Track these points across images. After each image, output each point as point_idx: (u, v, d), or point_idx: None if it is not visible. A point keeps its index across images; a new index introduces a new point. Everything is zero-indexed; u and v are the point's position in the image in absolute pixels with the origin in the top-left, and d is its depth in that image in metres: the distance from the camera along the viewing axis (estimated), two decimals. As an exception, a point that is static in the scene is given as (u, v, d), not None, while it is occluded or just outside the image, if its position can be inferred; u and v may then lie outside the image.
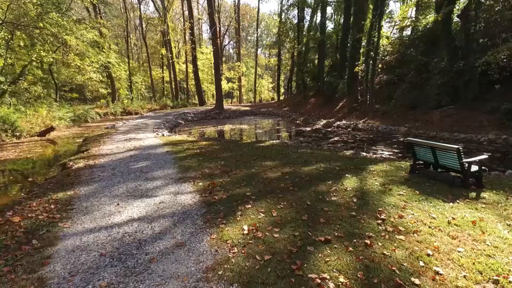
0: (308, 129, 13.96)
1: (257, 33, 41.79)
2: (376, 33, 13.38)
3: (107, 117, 22.36)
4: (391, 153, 7.77)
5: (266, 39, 51.39)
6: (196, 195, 4.03)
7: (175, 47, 41.12)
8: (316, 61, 25.40)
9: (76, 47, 21.27)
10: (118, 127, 12.39)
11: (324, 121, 15.45)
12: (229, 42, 47.55)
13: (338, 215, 3.24)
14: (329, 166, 5.62)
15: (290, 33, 27.57)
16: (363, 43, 15.48)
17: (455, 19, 12.15)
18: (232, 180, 4.80)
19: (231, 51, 59.18)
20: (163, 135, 10.35)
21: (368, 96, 14.48)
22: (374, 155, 7.08)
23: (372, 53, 13.83)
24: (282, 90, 37.78)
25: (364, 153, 7.12)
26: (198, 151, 7.59)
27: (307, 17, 26.97)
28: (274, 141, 9.57)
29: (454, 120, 10.61)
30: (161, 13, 31.91)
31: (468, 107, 10.83)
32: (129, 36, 41.95)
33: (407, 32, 21.89)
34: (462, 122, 10.35)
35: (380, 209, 3.36)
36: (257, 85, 41.02)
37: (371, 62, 14.00)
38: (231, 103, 43.09)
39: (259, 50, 45.82)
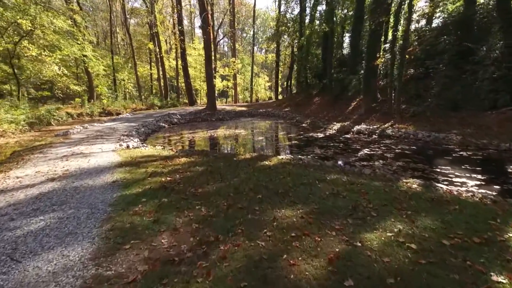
0: (320, 135, 11.12)
1: (253, 29, 38.93)
2: (407, 15, 10.63)
3: (81, 118, 19.20)
4: (479, 182, 4.93)
5: (262, 37, 48.56)
6: None
7: (165, 40, 38.03)
8: (320, 56, 22.71)
9: (42, 37, 18.21)
10: (72, 134, 9.36)
11: (337, 125, 12.63)
12: (223, 37, 44.58)
13: None
14: (417, 230, 2.75)
15: (289, 24, 24.69)
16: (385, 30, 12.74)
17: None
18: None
19: (225, 48, 56.24)
20: (127, 146, 7.38)
21: (393, 94, 11.72)
22: (460, 189, 4.26)
23: (400, 40, 11.07)
24: (279, 89, 35.00)
25: (443, 186, 4.28)
26: (168, 178, 4.68)
27: (308, 9, 24.28)
28: (284, 157, 6.70)
29: (523, 126, 7.89)
30: (147, 4, 28.77)
31: (539, 108, 8.13)
32: (114, 32, 38.73)
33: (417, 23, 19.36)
34: (536, 129, 7.64)
35: None
36: (253, 84, 38.11)
37: (398, 51, 11.24)
38: (226, 103, 40.17)
39: (255, 47, 43.03)
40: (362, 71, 14.33)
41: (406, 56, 11.91)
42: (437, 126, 9.64)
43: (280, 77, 35.39)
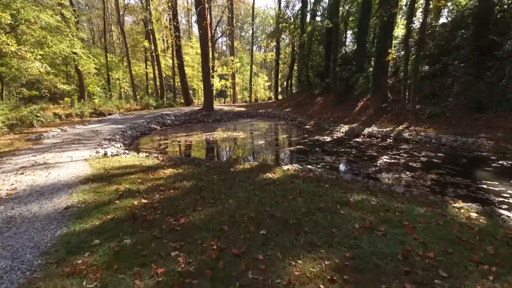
0: (327, 138, 10.03)
1: (253, 27, 37.90)
2: (424, 4, 9.56)
3: (70, 119, 18.05)
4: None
5: (261, 36, 47.49)
6: None
7: (161, 39, 36.92)
8: (322, 54, 21.65)
9: (27, 32, 17.21)
10: (45, 138, 8.23)
11: (345, 127, 11.55)
12: (221, 35, 43.46)
13: None
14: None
15: (291, 21, 23.55)
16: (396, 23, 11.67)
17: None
18: None
19: (224, 47, 55.18)
20: (105, 154, 6.26)
21: (407, 94, 10.64)
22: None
23: (415, 33, 10.01)
24: (279, 88, 33.94)
25: (509, 214, 3.19)
26: (143, 201, 3.58)
27: (310, 5, 23.27)
28: (289, 167, 5.59)
29: None
30: (143, 0, 27.59)
31: None
32: (110, 30, 37.58)
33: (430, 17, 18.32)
34: None
35: None
36: (252, 83, 36.99)
37: (413, 45, 10.18)
38: (224, 103, 39.08)
39: (254, 47, 41.88)
40: (371, 69, 13.26)
41: (421, 52, 10.85)
42: (460, 129, 8.56)
43: (279, 76, 34.33)
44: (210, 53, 23.91)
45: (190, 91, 36.63)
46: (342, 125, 12.26)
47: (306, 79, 20.99)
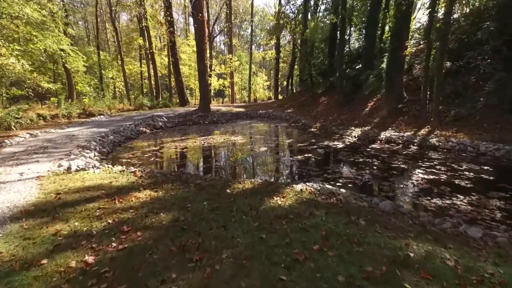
0: (338, 144, 8.75)
1: (252, 24, 36.62)
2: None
3: (56, 120, 16.71)
4: None
5: (260, 35, 46.15)
6: None
7: (158, 37, 35.55)
8: (325, 51, 20.41)
9: (9, 27, 15.91)
10: (7, 146, 6.88)
11: (357, 131, 10.28)
12: (219, 33, 42.11)
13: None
14: None
15: (292, 15, 22.25)
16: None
17: None
18: None
19: (222, 46, 53.80)
20: (68, 168, 4.94)
21: (428, 93, 9.39)
22: None
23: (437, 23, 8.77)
24: (279, 88, 32.69)
25: None
26: (85, 260, 2.26)
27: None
28: (302, 187, 4.32)
29: None
30: (137, -4, 26.21)
31: None
32: (104, 28, 36.20)
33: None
34: None
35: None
36: (252, 83, 35.68)
37: (437, 38, 8.94)
38: (222, 103, 37.77)
39: (253, 46, 40.54)
40: (383, 65, 12.01)
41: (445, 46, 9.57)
42: (495, 133, 7.31)
43: (279, 76, 33.06)
44: (208, 50, 22.60)
45: (187, 91, 35.30)
46: (352, 128, 10.99)
47: (308, 77, 19.73)
